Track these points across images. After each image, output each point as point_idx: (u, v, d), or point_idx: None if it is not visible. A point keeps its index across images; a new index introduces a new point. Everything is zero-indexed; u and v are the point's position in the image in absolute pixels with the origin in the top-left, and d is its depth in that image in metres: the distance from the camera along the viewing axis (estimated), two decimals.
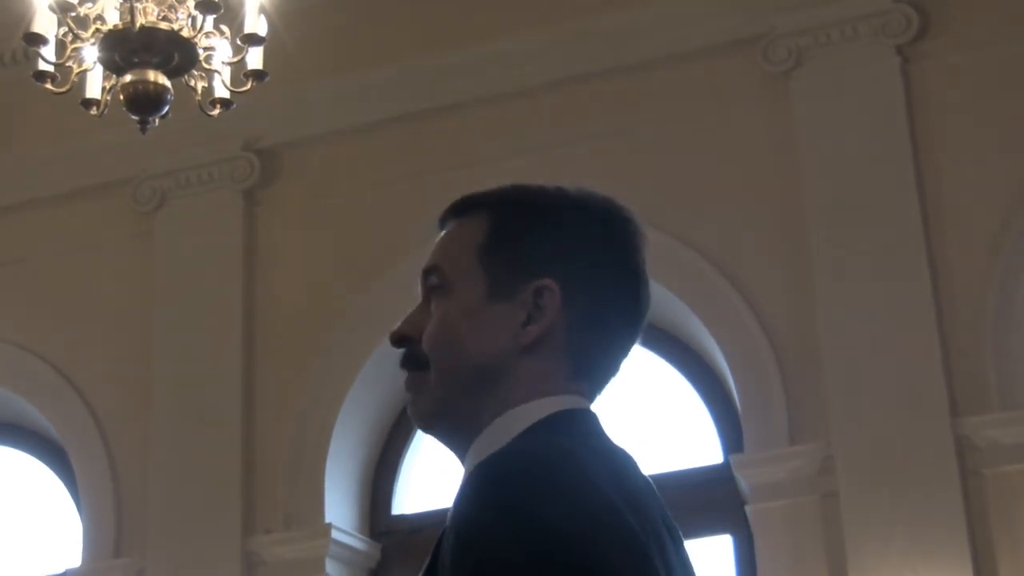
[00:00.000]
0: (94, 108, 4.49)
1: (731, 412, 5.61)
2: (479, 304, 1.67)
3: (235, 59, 4.47)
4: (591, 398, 1.69)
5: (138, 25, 4.23)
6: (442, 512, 5.94)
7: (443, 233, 1.74)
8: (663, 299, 5.46)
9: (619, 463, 1.60)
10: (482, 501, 1.47)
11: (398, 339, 1.72)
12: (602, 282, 1.69)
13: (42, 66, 4.37)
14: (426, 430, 1.72)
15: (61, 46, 4.37)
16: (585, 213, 1.71)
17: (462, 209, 1.74)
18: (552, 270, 1.66)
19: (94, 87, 4.50)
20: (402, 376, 1.72)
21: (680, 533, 1.62)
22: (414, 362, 1.70)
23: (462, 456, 1.68)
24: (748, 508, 5.33)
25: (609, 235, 1.71)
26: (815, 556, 5.12)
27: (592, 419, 1.66)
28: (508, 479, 1.48)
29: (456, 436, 1.69)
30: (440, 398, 1.68)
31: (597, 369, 1.70)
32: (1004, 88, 5.39)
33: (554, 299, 1.66)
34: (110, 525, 6.01)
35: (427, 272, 1.72)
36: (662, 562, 1.52)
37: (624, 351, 1.72)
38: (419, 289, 1.73)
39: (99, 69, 4.45)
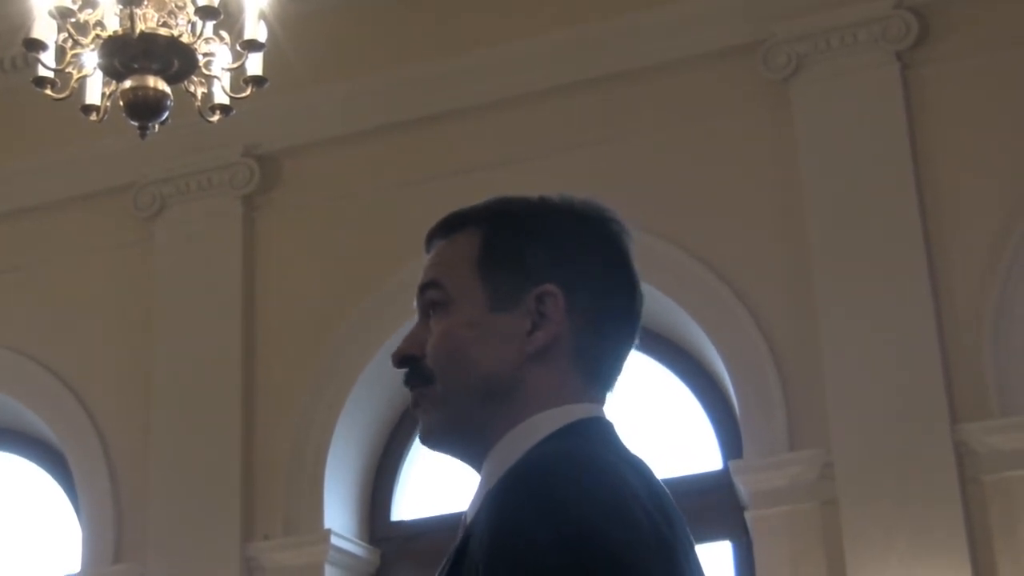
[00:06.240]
0: (94, 114, 4.49)
1: (731, 418, 5.60)
2: (482, 316, 1.66)
3: (235, 65, 4.47)
4: (602, 402, 1.70)
5: (138, 31, 4.24)
6: (441, 518, 5.89)
7: (433, 252, 1.73)
8: (662, 305, 5.46)
9: (640, 469, 1.61)
10: (517, 501, 1.47)
11: (401, 359, 1.70)
12: (600, 283, 1.69)
13: (42, 72, 4.37)
14: (436, 447, 1.71)
15: (61, 52, 4.37)
16: (573, 217, 1.71)
17: (450, 227, 1.73)
18: (551, 276, 1.67)
19: (94, 93, 4.50)
20: (406, 393, 1.71)
21: (693, 540, 1.63)
22: (420, 378, 1.69)
23: (478, 467, 1.67)
24: (747, 514, 5.33)
25: (599, 235, 1.71)
26: (815, 563, 5.11)
27: (609, 428, 1.67)
28: (542, 479, 1.49)
29: (468, 450, 1.68)
30: (450, 413, 1.66)
31: (605, 371, 1.70)
32: (1004, 93, 5.39)
33: (557, 304, 1.66)
34: (110, 531, 6.00)
35: (424, 287, 1.71)
36: (687, 565, 1.54)
37: (627, 349, 1.72)
38: (415, 306, 1.72)
39: (99, 75, 4.45)
